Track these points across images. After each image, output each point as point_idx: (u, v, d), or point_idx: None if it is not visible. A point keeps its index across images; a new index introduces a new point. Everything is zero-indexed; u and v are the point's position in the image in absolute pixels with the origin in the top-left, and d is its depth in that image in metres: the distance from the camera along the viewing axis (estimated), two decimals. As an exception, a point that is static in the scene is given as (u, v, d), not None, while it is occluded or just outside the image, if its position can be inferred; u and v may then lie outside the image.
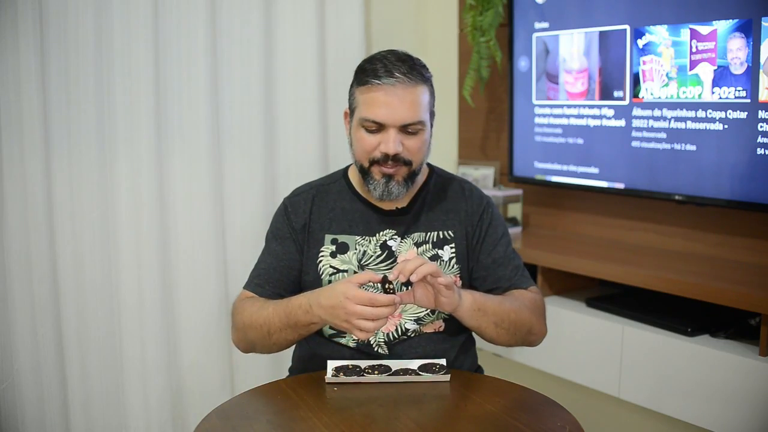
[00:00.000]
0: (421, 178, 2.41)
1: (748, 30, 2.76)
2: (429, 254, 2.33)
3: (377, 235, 2.34)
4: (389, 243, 2.33)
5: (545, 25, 3.48)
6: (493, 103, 3.94)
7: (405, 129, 2.23)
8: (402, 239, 2.34)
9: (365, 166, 2.28)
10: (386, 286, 2.06)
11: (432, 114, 2.34)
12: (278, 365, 3.39)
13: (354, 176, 2.44)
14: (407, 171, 2.27)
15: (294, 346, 2.47)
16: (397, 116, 2.22)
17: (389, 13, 4.00)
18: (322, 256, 2.34)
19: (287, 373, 2.54)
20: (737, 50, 2.80)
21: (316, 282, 2.32)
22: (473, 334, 2.48)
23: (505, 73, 3.73)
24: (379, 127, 2.23)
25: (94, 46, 3.01)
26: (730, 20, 2.81)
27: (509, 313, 2.26)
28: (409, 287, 2.15)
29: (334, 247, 2.34)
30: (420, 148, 2.27)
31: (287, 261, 2.38)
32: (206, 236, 3.33)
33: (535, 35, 3.53)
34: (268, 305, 2.27)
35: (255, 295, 2.38)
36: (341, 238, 2.35)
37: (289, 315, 2.21)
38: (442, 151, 4.18)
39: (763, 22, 2.72)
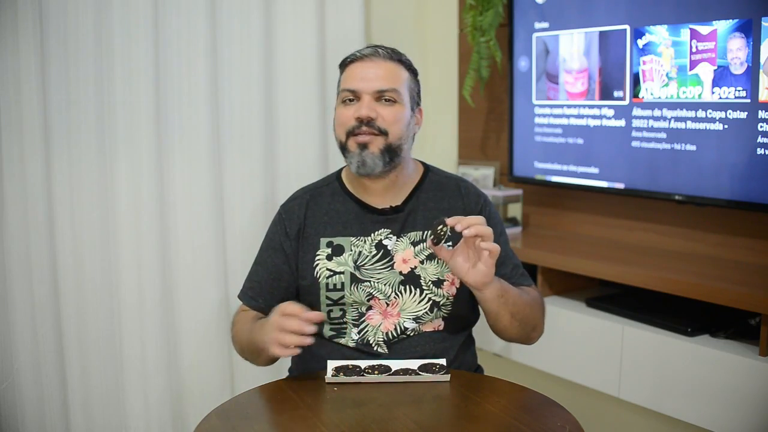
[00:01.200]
0: (415, 177, 2.42)
1: (748, 30, 2.77)
2: (426, 253, 2.33)
3: (372, 235, 2.35)
4: (384, 242, 2.33)
5: (545, 25, 3.48)
6: (493, 103, 3.95)
7: (380, 98, 2.27)
8: (398, 238, 2.34)
9: (343, 141, 2.31)
10: (439, 228, 2.08)
11: (414, 100, 2.37)
12: (278, 365, 3.38)
13: (347, 177, 2.45)
14: (383, 142, 2.27)
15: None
16: (372, 83, 2.28)
17: (389, 13, 4.00)
18: (319, 259, 2.34)
19: (287, 374, 2.54)
20: (737, 50, 2.80)
21: (314, 286, 2.33)
22: (472, 332, 2.49)
23: (505, 73, 3.74)
24: (356, 97, 2.27)
25: (93, 46, 3.01)
26: (730, 20, 2.81)
27: (525, 307, 2.29)
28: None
29: (329, 250, 2.34)
30: (396, 119, 2.29)
31: (276, 273, 2.40)
32: (206, 236, 3.32)
33: (535, 35, 3.53)
34: (251, 321, 2.32)
35: (249, 309, 2.44)
36: (336, 240, 2.35)
37: (252, 330, 2.26)
38: (442, 151, 4.19)
39: (763, 22, 2.72)
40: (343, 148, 2.31)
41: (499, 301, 2.21)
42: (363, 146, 2.26)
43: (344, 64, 2.36)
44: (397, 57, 2.33)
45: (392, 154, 2.30)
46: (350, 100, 2.29)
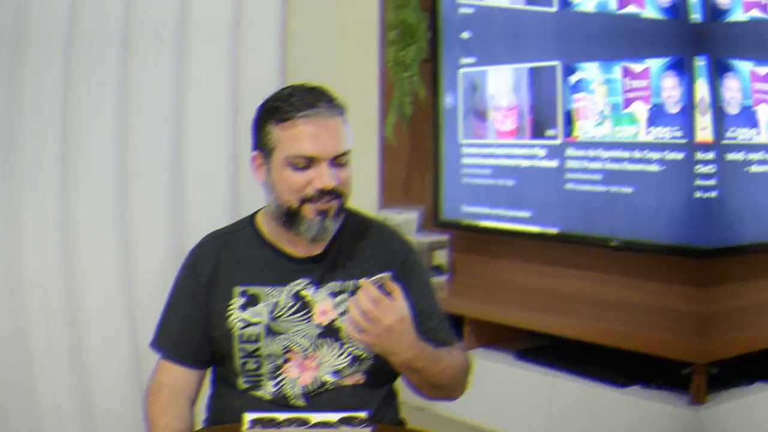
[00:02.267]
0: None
1: (682, 68, 2.80)
2: (347, 304, 2.20)
3: (289, 285, 2.23)
4: (303, 293, 2.21)
5: (472, 60, 3.49)
6: (417, 141, 3.93)
7: (334, 161, 2.14)
8: (317, 289, 2.22)
9: (294, 206, 2.16)
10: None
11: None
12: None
13: (263, 223, 2.33)
14: (338, 204, 2.17)
15: (208, 396, 2.35)
16: (329, 148, 2.13)
17: (307, 48, 3.97)
18: (232, 309, 2.22)
19: (203, 425, 2.40)
20: (671, 89, 2.83)
21: (227, 337, 2.21)
22: (395, 386, 2.38)
23: (430, 109, 3.70)
24: (309, 163, 2.13)
25: None
26: (663, 58, 2.83)
27: (441, 379, 2.18)
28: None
29: (243, 300, 2.22)
30: (348, 179, 2.20)
31: (190, 323, 2.28)
32: (113, 284, 3.30)
33: (461, 71, 3.53)
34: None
35: (175, 365, 2.24)
36: (251, 289, 2.24)
37: None
38: (362, 193, 4.08)
39: (696, 61, 2.75)
40: (294, 214, 2.18)
41: (406, 371, 2.13)
42: (323, 214, 2.15)
43: (284, 117, 2.17)
44: (337, 107, 2.21)
45: (342, 213, 2.21)
46: (303, 166, 2.16)
